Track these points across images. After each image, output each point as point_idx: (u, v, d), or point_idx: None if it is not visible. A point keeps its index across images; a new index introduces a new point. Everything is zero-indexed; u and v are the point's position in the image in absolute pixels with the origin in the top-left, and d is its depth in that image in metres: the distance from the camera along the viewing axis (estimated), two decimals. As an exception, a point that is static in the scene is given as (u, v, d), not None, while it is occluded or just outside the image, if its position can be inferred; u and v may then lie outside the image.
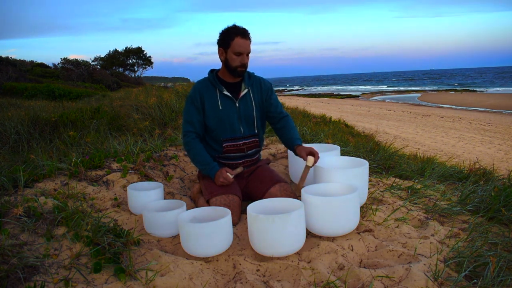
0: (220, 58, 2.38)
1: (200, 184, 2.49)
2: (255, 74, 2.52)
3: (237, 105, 2.39)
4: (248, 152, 2.46)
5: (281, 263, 1.77)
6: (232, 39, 2.26)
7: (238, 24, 2.32)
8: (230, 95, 2.38)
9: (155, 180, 2.73)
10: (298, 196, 2.27)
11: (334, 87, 57.34)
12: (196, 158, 2.38)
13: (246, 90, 2.41)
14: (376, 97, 31.88)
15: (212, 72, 2.46)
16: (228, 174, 2.30)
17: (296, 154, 2.35)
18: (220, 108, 2.36)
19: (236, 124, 2.38)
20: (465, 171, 3.21)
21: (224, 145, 2.39)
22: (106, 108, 6.34)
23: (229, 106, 2.37)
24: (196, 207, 2.41)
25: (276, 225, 1.74)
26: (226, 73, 2.40)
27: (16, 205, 1.93)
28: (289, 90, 54.07)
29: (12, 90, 14.56)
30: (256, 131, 2.47)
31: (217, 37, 2.35)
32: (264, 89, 2.48)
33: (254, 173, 2.49)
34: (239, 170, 2.39)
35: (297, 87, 64.04)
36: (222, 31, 2.32)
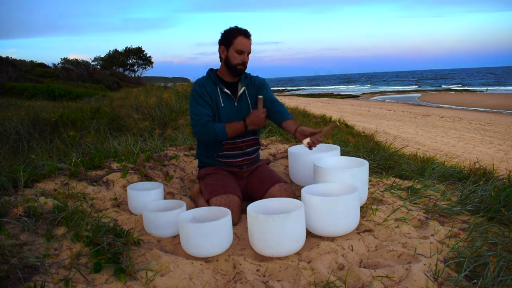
0: (220, 56, 2.42)
1: (200, 184, 2.49)
2: (251, 74, 2.56)
3: (235, 104, 2.42)
4: (247, 150, 2.48)
5: (281, 263, 1.77)
6: (235, 37, 2.32)
7: (239, 24, 2.36)
8: (230, 93, 2.41)
9: (155, 180, 2.73)
10: (298, 196, 2.27)
11: (334, 87, 57.32)
12: (217, 130, 2.29)
13: (243, 89, 2.45)
14: (376, 97, 31.88)
15: (212, 71, 2.48)
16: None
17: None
18: (222, 105, 2.38)
19: None
20: (465, 171, 3.20)
21: (223, 143, 2.41)
22: (106, 108, 6.34)
23: (229, 104, 2.40)
24: (196, 207, 2.41)
25: (276, 225, 1.74)
26: (226, 72, 2.43)
27: (16, 205, 1.93)
28: (289, 90, 54.05)
29: (12, 90, 14.57)
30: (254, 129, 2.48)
31: (218, 36, 2.40)
32: (256, 84, 2.50)
33: (254, 173, 2.50)
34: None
35: (297, 87, 64.03)
36: (225, 30, 2.37)
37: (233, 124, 2.33)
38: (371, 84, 61.83)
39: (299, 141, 3.91)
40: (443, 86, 45.29)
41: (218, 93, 2.40)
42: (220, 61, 2.44)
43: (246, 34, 2.34)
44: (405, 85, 51.24)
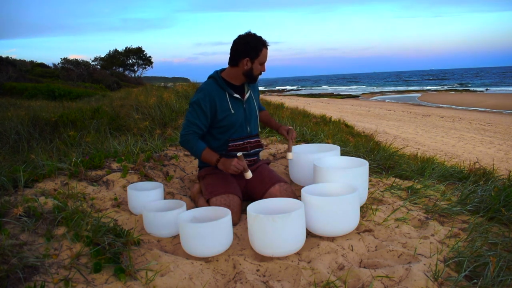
0: (242, 68, 2.35)
1: (200, 184, 2.49)
2: None
3: (244, 106, 2.45)
4: (251, 151, 2.49)
5: (281, 263, 1.77)
6: (261, 50, 2.33)
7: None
8: (240, 97, 2.42)
9: (155, 180, 2.73)
10: (298, 196, 2.27)
11: (334, 87, 57.31)
12: (195, 147, 2.34)
13: (249, 92, 2.49)
14: (376, 97, 31.87)
15: (217, 73, 2.45)
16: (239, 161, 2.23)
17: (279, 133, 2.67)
18: (232, 111, 2.38)
19: (244, 125, 2.44)
20: (465, 171, 3.20)
21: (230, 144, 2.42)
22: (106, 108, 6.34)
23: (238, 108, 2.42)
24: (196, 207, 2.41)
25: (276, 225, 1.74)
26: (237, 77, 2.41)
27: (16, 205, 1.93)
28: (289, 90, 54.04)
29: (12, 90, 14.56)
30: (259, 130, 2.57)
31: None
32: (256, 88, 2.63)
33: (254, 173, 2.49)
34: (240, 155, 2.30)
35: (297, 87, 64.02)
36: (246, 41, 2.30)
37: (210, 154, 2.31)
38: (371, 84, 61.81)
39: (299, 141, 3.91)
40: (443, 86, 45.28)
41: (226, 99, 2.38)
42: (231, 65, 2.38)
43: (267, 45, 2.36)
44: (405, 85, 51.22)
